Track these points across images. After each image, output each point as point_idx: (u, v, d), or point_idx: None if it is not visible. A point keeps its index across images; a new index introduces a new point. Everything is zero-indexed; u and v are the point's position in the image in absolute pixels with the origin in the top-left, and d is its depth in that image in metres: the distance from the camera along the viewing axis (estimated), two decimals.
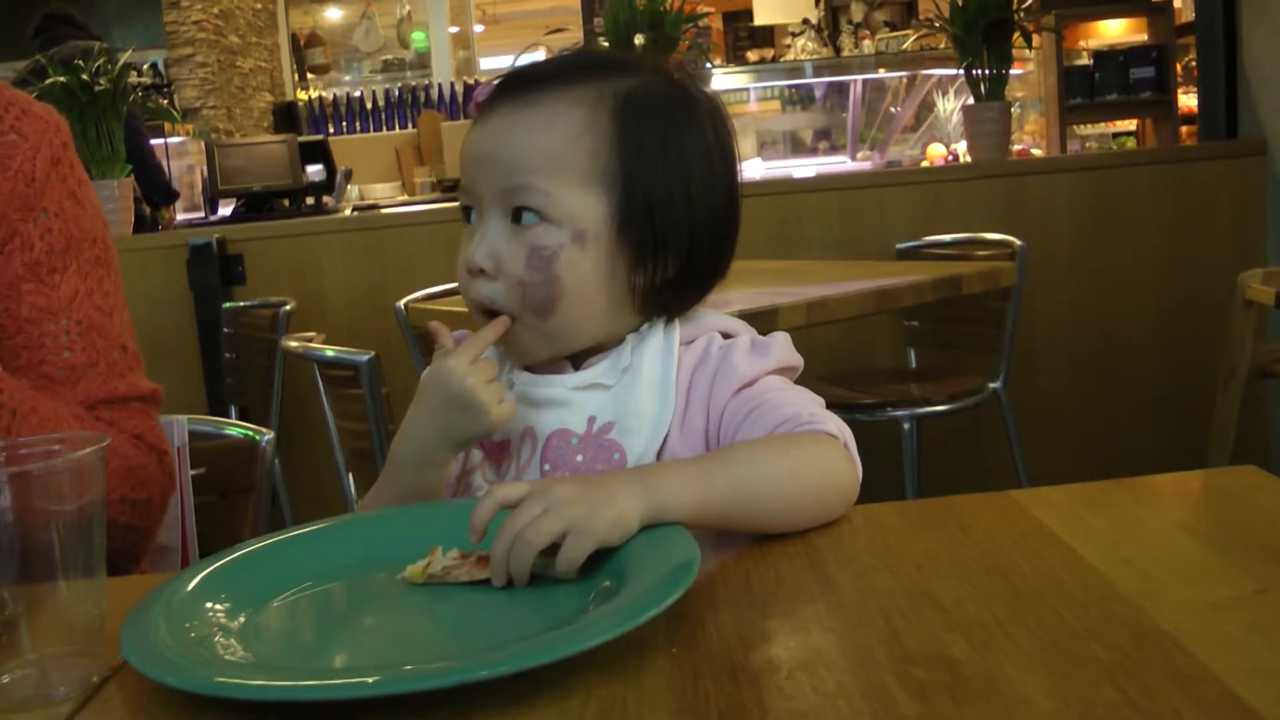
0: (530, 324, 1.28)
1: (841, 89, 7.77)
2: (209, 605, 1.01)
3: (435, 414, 1.27)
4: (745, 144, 7.83)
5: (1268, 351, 3.66)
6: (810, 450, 1.18)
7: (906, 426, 3.73)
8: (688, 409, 1.31)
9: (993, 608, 0.92)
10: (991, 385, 3.97)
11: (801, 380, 1.35)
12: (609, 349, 1.34)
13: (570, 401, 1.31)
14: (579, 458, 1.29)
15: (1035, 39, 5.25)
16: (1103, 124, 6.86)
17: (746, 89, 8.12)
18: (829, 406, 1.27)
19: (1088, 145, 6.87)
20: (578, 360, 1.35)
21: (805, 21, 8.94)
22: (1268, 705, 0.75)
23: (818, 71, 7.78)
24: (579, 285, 1.27)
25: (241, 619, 1.00)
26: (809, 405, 1.25)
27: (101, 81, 4.61)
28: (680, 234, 1.29)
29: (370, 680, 0.83)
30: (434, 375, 1.27)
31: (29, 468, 0.90)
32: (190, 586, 1.03)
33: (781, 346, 1.34)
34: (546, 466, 1.30)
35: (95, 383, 1.50)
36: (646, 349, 1.32)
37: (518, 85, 1.32)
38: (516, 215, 1.27)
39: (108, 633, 0.94)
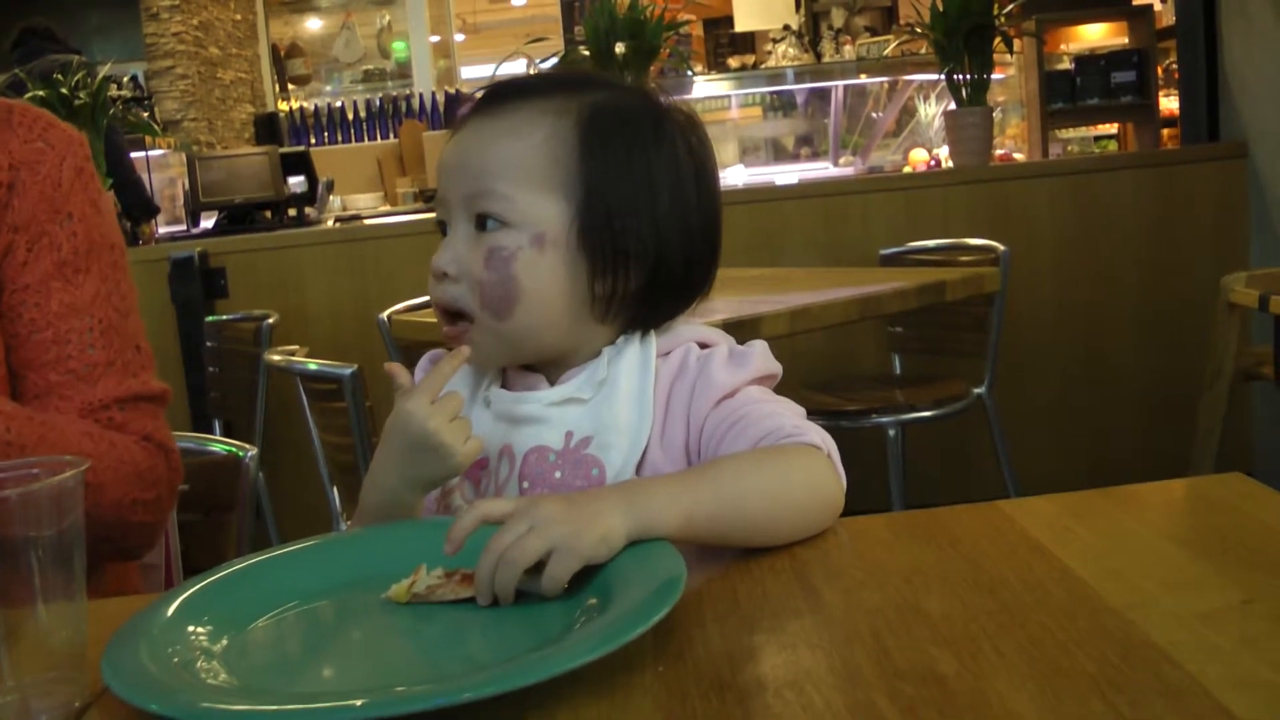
0: (488, 326, 1.28)
1: (823, 95, 7.78)
2: (191, 629, 1.00)
3: (400, 459, 1.25)
4: (727, 151, 7.83)
5: (1251, 354, 3.66)
6: (796, 463, 1.18)
7: (891, 433, 3.73)
8: (667, 422, 1.31)
9: (981, 622, 0.92)
10: (976, 391, 3.97)
11: (785, 388, 1.35)
12: (585, 363, 1.33)
13: (547, 418, 1.31)
14: (557, 474, 1.28)
15: (1016, 44, 5.26)
16: (1084, 128, 6.86)
17: (728, 96, 8.13)
18: (813, 414, 1.27)
19: (1070, 149, 6.88)
20: (554, 376, 1.34)
21: (786, 28, 8.94)
22: (1258, 717, 0.75)
23: (799, 78, 7.79)
24: (537, 288, 1.27)
25: (224, 642, 0.99)
26: (792, 417, 1.25)
27: (81, 95, 4.60)
28: (644, 246, 1.29)
29: (358, 704, 0.82)
30: (395, 420, 1.26)
31: (7, 493, 0.89)
32: (172, 610, 1.02)
33: (760, 355, 1.33)
34: (525, 484, 1.29)
35: (113, 381, 1.57)
36: (622, 362, 1.31)
37: (493, 99, 1.33)
38: (481, 222, 1.28)
39: (89, 658, 0.93)
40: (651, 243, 1.29)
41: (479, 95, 1.35)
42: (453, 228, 1.30)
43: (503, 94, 1.33)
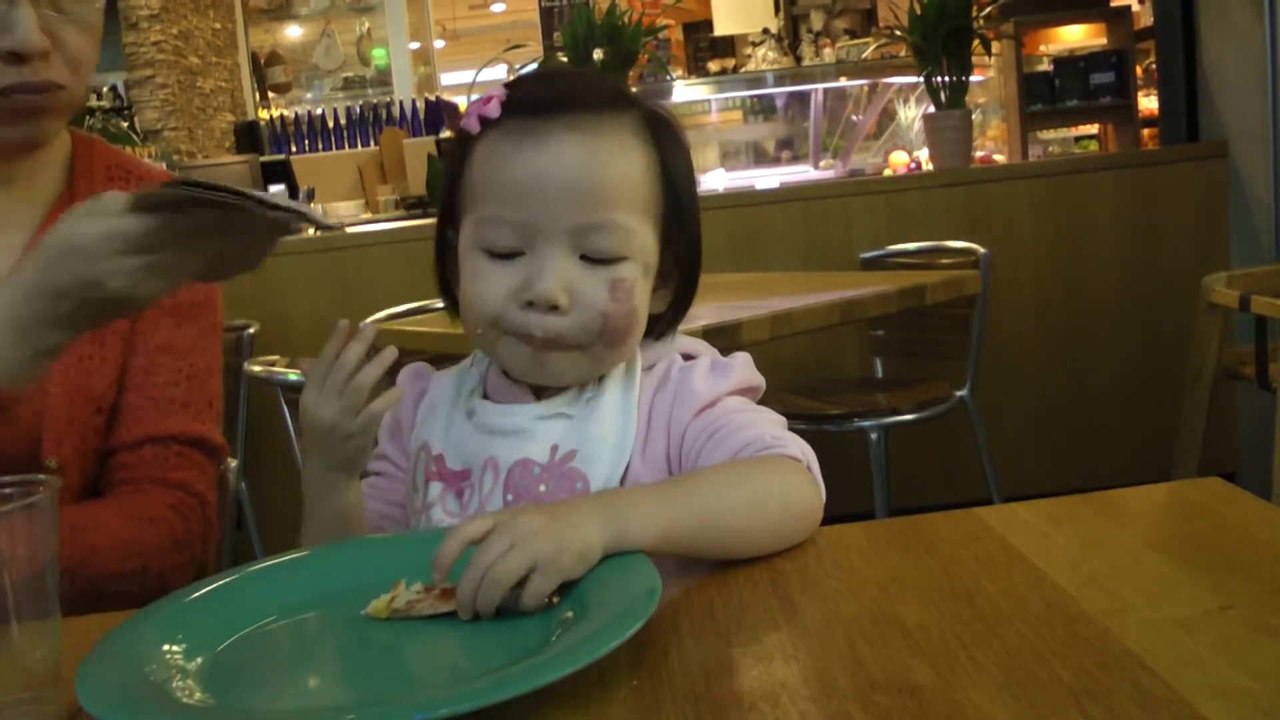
0: (595, 354, 1.26)
1: (803, 98, 7.76)
2: (167, 646, 0.99)
3: (312, 450, 1.27)
4: (708, 155, 7.82)
5: (1233, 354, 3.67)
6: (774, 475, 1.18)
7: (874, 436, 3.73)
8: (649, 433, 1.30)
9: (958, 631, 0.92)
10: (959, 393, 3.97)
11: (768, 392, 1.35)
12: None
13: (533, 431, 1.29)
14: (541, 487, 1.27)
15: (994, 46, 5.27)
16: (1064, 129, 6.86)
17: (708, 100, 8.11)
18: (796, 418, 1.27)
19: (1050, 150, 6.88)
20: (538, 388, 1.32)
21: (765, 31, 8.96)
22: None
23: (779, 81, 7.77)
24: (644, 317, 1.29)
25: (201, 659, 0.99)
26: (771, 427, 1.24)
27: None
28: (680, 267, 1.33)
29: None
30: (300, 417, 1.27)
31: None
32: (148, 627, 1.02)
33: (742, 367, 1.32)
34: (509, 497, 1.28)
35: (182, 420, 1.67)
36: (609, 376, 1.31)
37: (563, 106, 1.25)
38: (589, 248, 1.24)
39: (65, 677, 0.92)
40: (686, 262, 1.33)
41: (544, 97, 1.26)
42: (546, 253, 1.23)
43: (573, 99, 1.26)
